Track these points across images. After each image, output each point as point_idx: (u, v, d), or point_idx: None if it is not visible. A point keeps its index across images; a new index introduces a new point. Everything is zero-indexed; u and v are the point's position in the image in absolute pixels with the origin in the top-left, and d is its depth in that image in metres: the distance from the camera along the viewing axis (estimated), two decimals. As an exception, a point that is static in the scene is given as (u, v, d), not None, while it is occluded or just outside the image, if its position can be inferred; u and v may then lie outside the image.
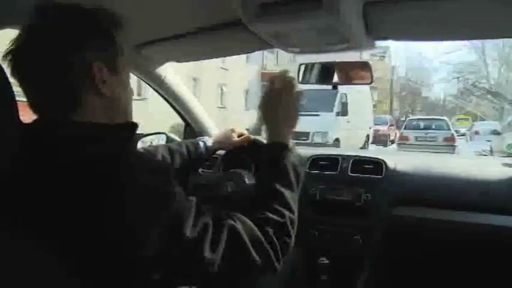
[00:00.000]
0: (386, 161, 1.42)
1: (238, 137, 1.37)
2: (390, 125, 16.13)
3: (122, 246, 0.52)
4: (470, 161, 1.68)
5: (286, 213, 0.69)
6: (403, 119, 28.91)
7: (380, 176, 1.39)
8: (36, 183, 0.54)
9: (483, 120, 20.04)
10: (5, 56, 0.59)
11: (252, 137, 1.40)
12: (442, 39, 1.07)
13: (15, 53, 0.58)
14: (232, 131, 1.37)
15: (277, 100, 0.78)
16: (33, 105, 0.60)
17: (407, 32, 1.05)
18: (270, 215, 0.67)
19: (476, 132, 13.82)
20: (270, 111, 0.79)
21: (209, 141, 1.31)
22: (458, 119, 25.16)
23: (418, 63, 33.46)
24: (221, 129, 1.51)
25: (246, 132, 1.40)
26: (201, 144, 1.29)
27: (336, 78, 1.39)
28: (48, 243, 0.51)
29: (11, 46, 0.59)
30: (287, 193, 0.71)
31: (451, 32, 1.01)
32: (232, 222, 0.62)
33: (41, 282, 0.53)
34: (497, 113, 20.42)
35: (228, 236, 0.59)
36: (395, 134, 15.27)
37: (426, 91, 34.91)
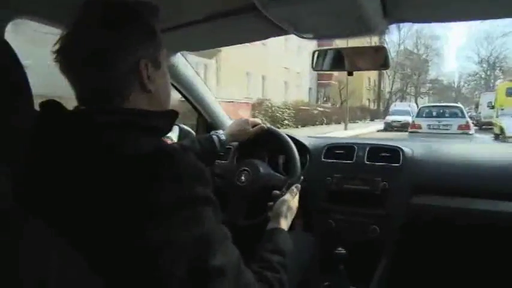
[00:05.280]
0: (404, 148, 1.38)
1: (253, 127, 1.32)
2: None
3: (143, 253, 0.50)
4: (491, 147, 1.63)
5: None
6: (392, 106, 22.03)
7: (397, 164, 1.35)
8: (79, 170, 0.53)
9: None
10: (55, 53, 0.59)
11: (266, 126, 1.36)
12: (463, 20, 1.02)
13: (65, 50, 0.59)
14: (246, 122, 1.32)
15: (286, 206, 0.96)
16: (81, 101, 0.61)
17: (426, 14, 1.00)
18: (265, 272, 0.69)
19: None
20: (280, 212, 0.95)
21: (223, 135, 1.25)
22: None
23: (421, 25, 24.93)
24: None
25: (260, 121, 1.36)
26: (215, 138, 1.23)
27: (349, 64, 1.36)
28: (73, 236, 0.50)
29: (60, 44, 0.59)
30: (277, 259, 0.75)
31: (472, 11, 0.96)
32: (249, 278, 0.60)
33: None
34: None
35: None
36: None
37: (435, 67, 25.94)
